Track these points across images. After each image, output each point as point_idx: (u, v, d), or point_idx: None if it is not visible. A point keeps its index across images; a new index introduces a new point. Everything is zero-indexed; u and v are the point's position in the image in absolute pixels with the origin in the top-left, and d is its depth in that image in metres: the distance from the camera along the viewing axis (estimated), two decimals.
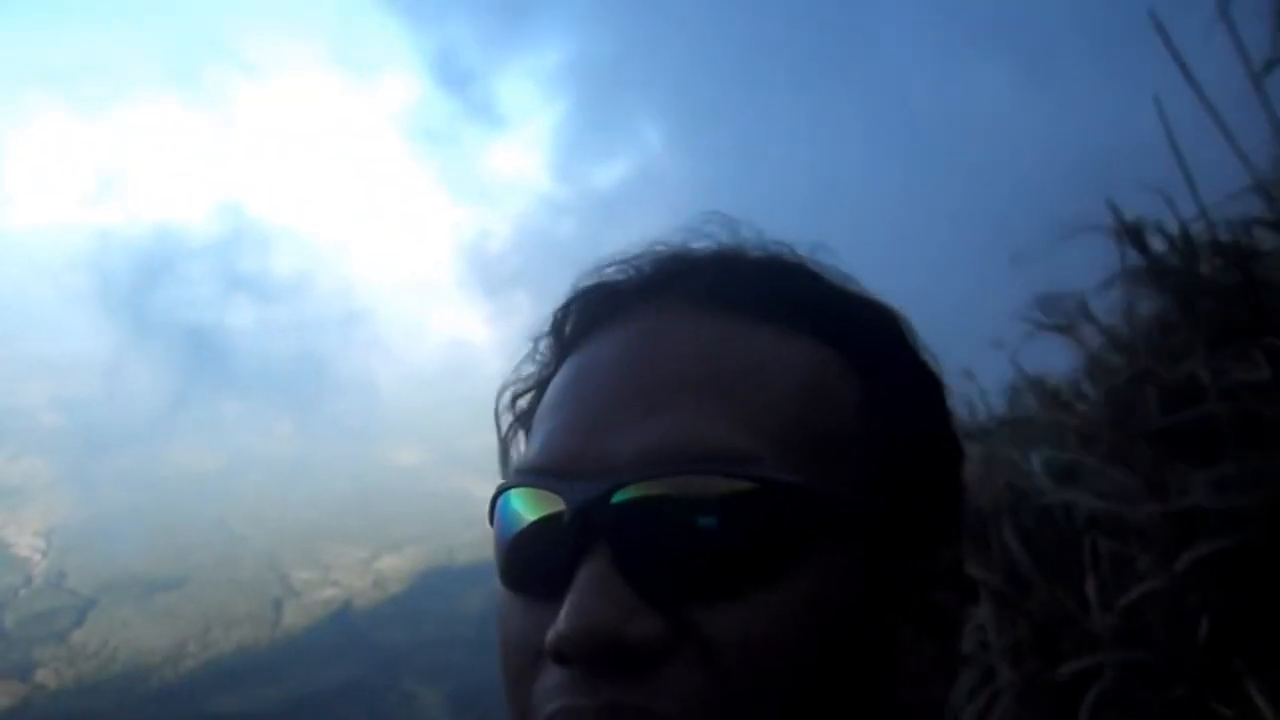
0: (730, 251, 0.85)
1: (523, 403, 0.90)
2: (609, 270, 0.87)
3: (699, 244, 0.87)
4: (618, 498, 0.70)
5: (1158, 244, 3.59)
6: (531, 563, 0.76)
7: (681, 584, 0.69)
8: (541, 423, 0.82)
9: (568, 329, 0.87)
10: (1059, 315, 3.88)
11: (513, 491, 0.79)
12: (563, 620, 0.67)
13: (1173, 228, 3.55)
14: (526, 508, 0.77)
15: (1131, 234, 3.58)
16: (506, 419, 0.91)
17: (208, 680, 76.48)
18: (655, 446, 0.71)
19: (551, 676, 0.70)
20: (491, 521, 0.81)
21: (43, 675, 76.03)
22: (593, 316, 0.85)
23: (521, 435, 0.90)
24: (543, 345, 0.90)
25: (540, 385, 0.88)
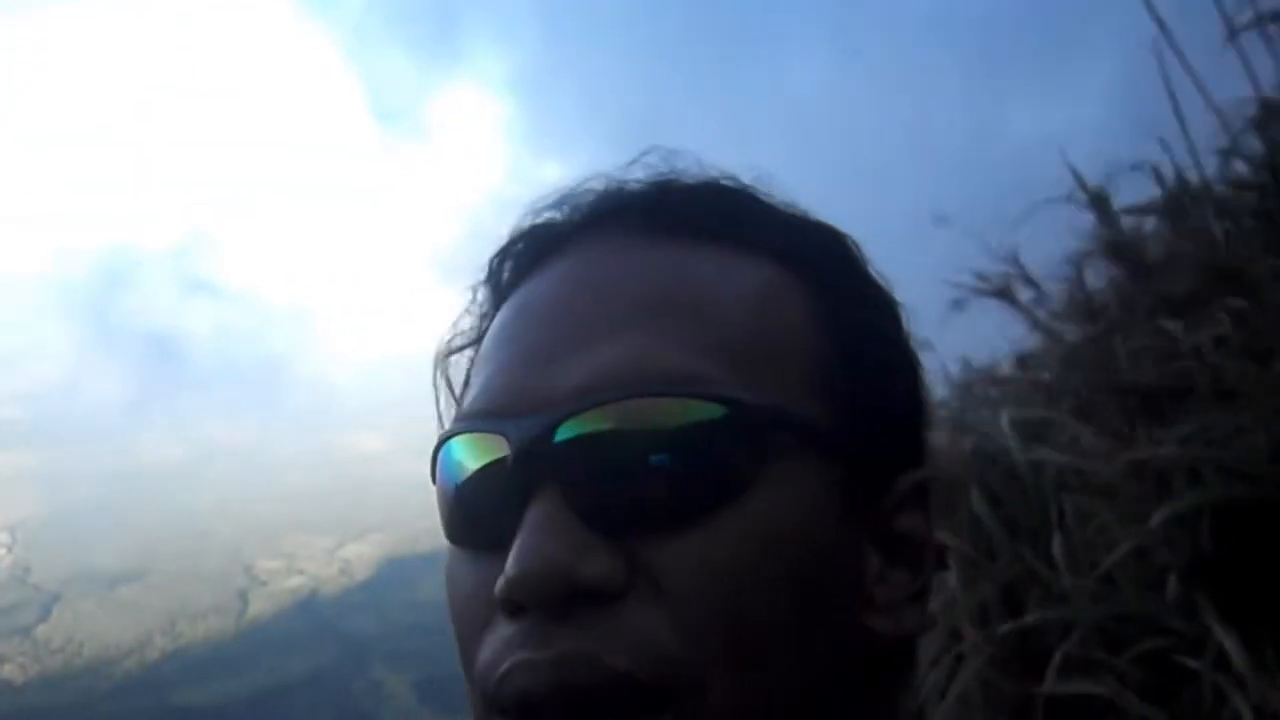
0: (666, 179, 0.80)
1: (463, 361, 0.85)
2: (543, 212, 0.81)
3: (636, 175, 0.81)
4: (563, 430, 0.65)
5: (1120, 210, 3.53)
6: (478, 513, 0.71)
7: (633, 516, 0.64)
8: (479, 369, 0.77)
9: (504, 276, 0.82)
10: (995, 279, 3.76)
11: (453, 440, 0.73)
12: (510, 564, 0.62)
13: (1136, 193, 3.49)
14: (469, 455, 0.72)
15: (1096, 201, 3.50)
16: (444, 382, 0.86)
17: (174, 672, 76.58)
18: (601, 373, 0.66)
19: (502, 633, 0.65)
20: (434, 477, 0.76)
21: (9, 670, 76.02)
22: (528, 259, 0.80)
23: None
24: (480, 295, 0.84)
25: (479, 338, 0.83)
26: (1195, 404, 2.73)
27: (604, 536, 0.63)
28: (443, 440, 0.74)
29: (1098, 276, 3.65)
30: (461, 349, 0.84)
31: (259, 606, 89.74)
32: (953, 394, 4.01)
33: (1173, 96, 3.12)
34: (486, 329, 0.81)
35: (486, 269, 0.83)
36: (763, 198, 0.80)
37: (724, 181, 0.80)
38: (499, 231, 0.83)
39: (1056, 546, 2.71)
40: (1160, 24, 3.12)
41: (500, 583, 0.62)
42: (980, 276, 3.70)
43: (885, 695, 0.74)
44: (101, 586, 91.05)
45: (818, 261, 0.77)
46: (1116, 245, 3.52)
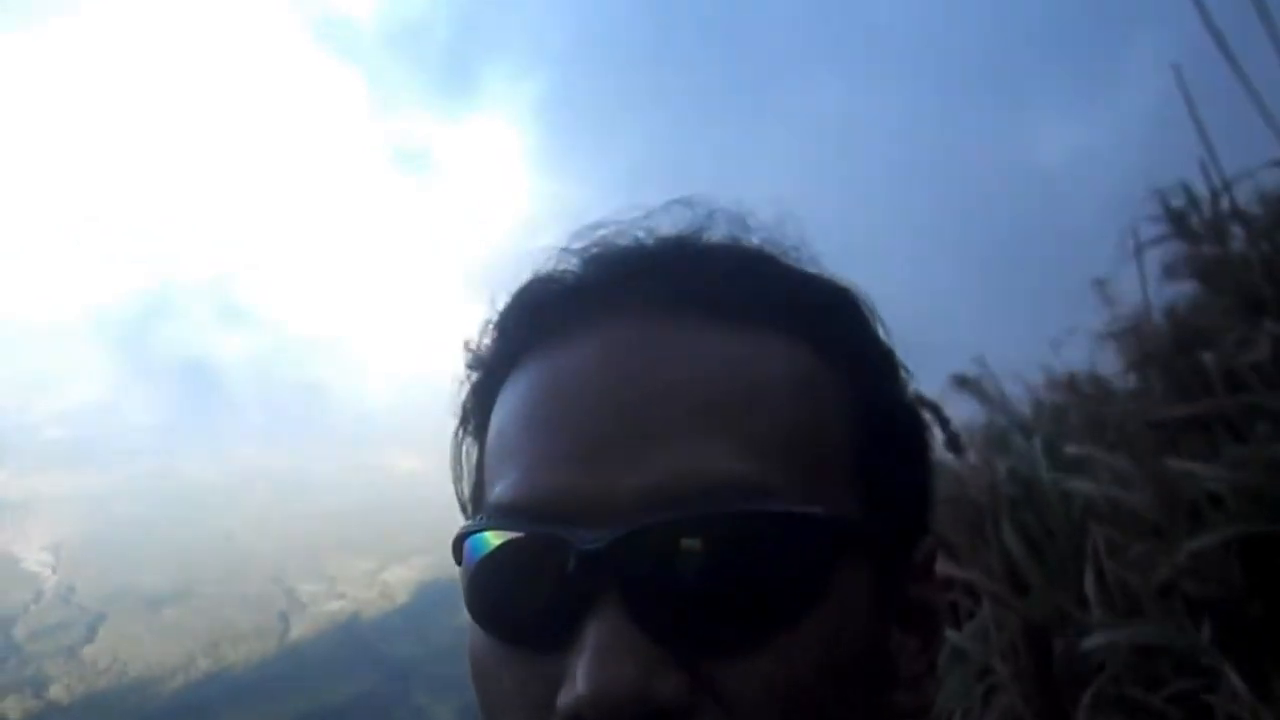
0: (689, 243, 0.78)
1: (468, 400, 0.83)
2: (558, 263, 0.79)
3: (656, 227, 0.79)
4: (629, 543, 0.64)
5: (1195, 223, 3.51)
6: (520, 608, 0.70)
7: (702, 636, 0.64)
8: (511, 451, 0.73)
9: (512, 328, 0.79)
10: (1110, 319, 3.79)
11: (493, 533, 0.71)
12: (583, 681, 0.61)
13: (1205, 206, 3.47)
14: (513, 550, 0.70)
15: (1174, 218, 3.51)
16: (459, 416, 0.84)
17: (217, 694, 76.94)
18: (665, 483, 0.65)
19: None
20: (460, 560, 0.74)
21: (55, 690, 76.70)
22: (545, 321, 0.76)
23: (469, 440, 0.83)
24: (487, 339, 0.81)
25: (483, 387, 0.81)
26: (1231, 432, 2.74)
27: (669, 652, 0.63)
28: (477, 529, 0.72)
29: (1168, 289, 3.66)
30: (474, 371, 0.82)
31: (300, 629, 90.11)
32: (988, 413, 4.01)
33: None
34: (492, 383, 0.80)
35: (496, 317, 0.80)
36: (786, 262, 0.78)
37: (748, 247, 0.78)
38: (522, 248, 0.80)
39: (1089, 583, 2.70)
40: (1217, 36, 3.04)
41: (571, 699, 0.62)
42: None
43: None
44: (145, 607, 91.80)
45: (846, 340, 0.77)
46: (1189, 257, 3.54)
